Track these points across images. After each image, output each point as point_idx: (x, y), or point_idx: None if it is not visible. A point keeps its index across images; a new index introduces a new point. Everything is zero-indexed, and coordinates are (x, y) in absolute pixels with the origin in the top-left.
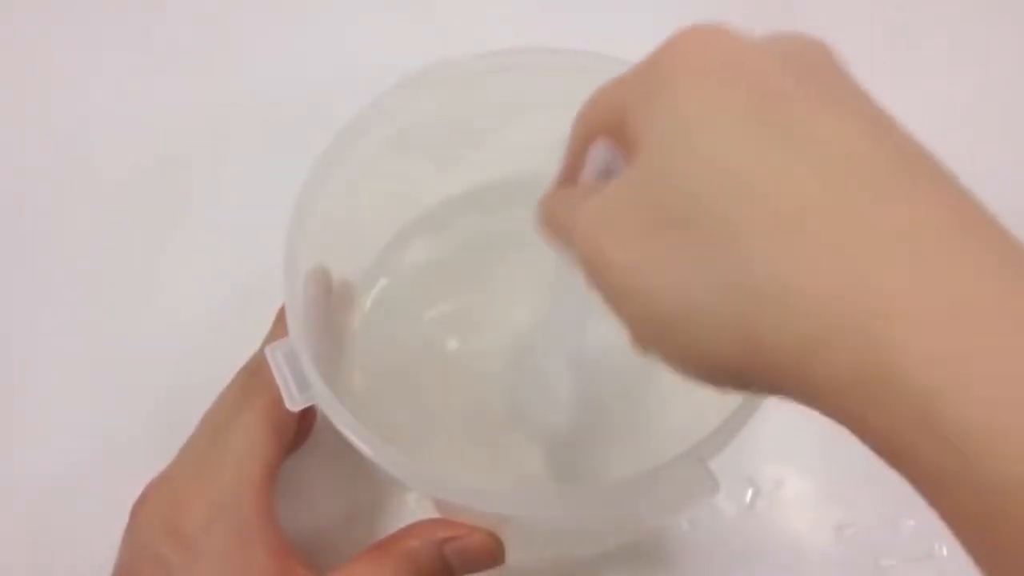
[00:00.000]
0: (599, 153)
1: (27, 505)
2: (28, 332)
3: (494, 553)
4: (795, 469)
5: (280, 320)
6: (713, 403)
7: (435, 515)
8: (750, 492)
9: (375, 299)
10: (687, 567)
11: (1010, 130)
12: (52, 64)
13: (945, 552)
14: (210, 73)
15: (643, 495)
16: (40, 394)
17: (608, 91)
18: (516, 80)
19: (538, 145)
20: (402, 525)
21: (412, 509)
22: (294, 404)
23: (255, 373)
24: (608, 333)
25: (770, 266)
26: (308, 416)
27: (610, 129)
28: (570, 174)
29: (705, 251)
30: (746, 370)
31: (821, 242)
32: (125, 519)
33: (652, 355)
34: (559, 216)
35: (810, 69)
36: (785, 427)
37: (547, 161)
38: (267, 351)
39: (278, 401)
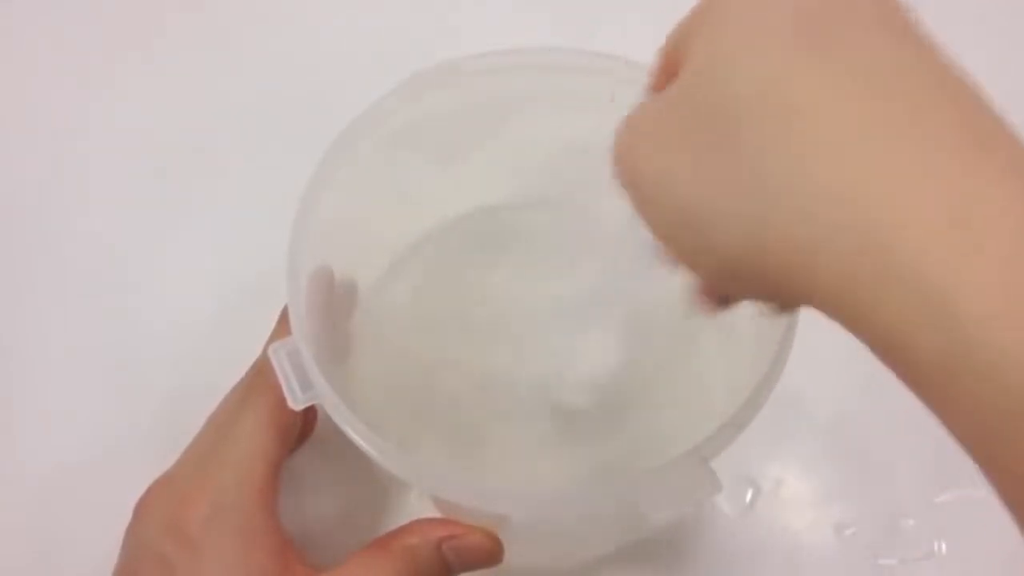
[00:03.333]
0: None
1: (30, 504)
2: (30, 333)
3: (492, 552)
4: (795, 469)
5: (283, 320)
6: (714, 403)
7: (435, 514)
8: (750, 492)
9: (378, 299)
10: (687, 567)
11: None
12: (53, 64)
13: (945, 552)
14: (212, 73)
15: (644, 495)
16: (43, 394)
17: (673, 30)
18: (516, 80)
19: (541, 144)
20: (402, 524)
21: (413, 508)
22: (297, 403)
23: (259, 373)
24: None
25: (781, 160)
26: (310, 415)
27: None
28: None
29: (726, 151)
30: (757, 266)
31: (831, 139)
32: (128, 518)
33: (671, 253)
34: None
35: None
36: (785, 427)
37: (550, 161)
38: (270, 351)
39: (281, 400)
